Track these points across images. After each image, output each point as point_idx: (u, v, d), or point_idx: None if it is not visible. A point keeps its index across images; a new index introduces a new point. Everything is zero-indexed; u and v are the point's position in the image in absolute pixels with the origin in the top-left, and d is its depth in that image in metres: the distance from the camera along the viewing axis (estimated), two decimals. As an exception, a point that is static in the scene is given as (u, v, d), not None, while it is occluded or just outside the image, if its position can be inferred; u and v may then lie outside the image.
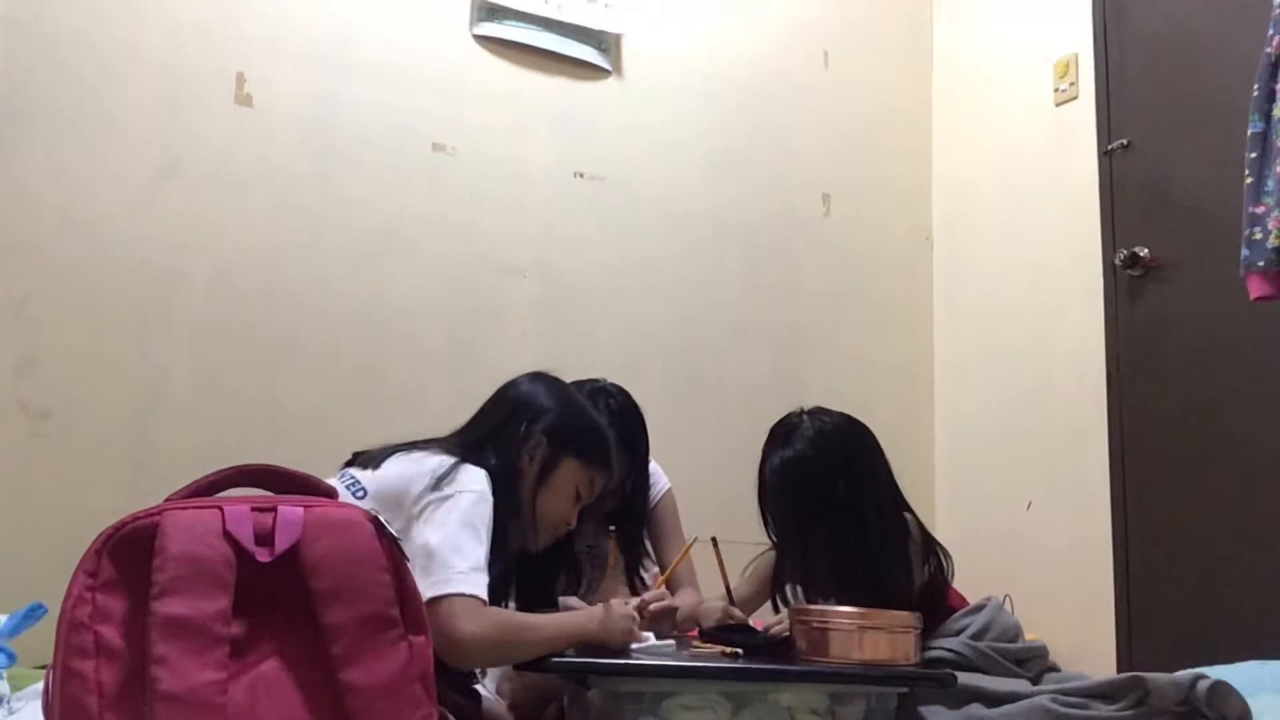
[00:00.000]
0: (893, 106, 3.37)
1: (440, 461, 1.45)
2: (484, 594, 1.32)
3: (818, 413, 1.87)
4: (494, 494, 1.45)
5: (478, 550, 1.36)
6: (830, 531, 1.76)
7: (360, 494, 1.43)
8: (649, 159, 2.97)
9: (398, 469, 1.46)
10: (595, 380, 2.07)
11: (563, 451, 1.59)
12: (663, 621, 1.68)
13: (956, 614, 1.75)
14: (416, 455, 1.48)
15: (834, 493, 1.76)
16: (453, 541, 1.35)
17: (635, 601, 1.76)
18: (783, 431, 1.85)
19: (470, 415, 1.69)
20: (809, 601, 1.76)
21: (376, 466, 1.48)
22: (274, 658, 0.95)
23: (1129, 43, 2.77)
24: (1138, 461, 2.60)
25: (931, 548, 1.79)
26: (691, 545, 1.90)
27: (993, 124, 3.18)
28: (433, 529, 1.36)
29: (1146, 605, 2.53)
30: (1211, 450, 2.43)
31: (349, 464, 1.53)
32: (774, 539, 1.88)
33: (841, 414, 1.89)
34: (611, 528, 1.91)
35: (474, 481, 1.43)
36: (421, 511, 1.39)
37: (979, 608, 1.74)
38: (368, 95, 2.65)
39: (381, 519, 1.05)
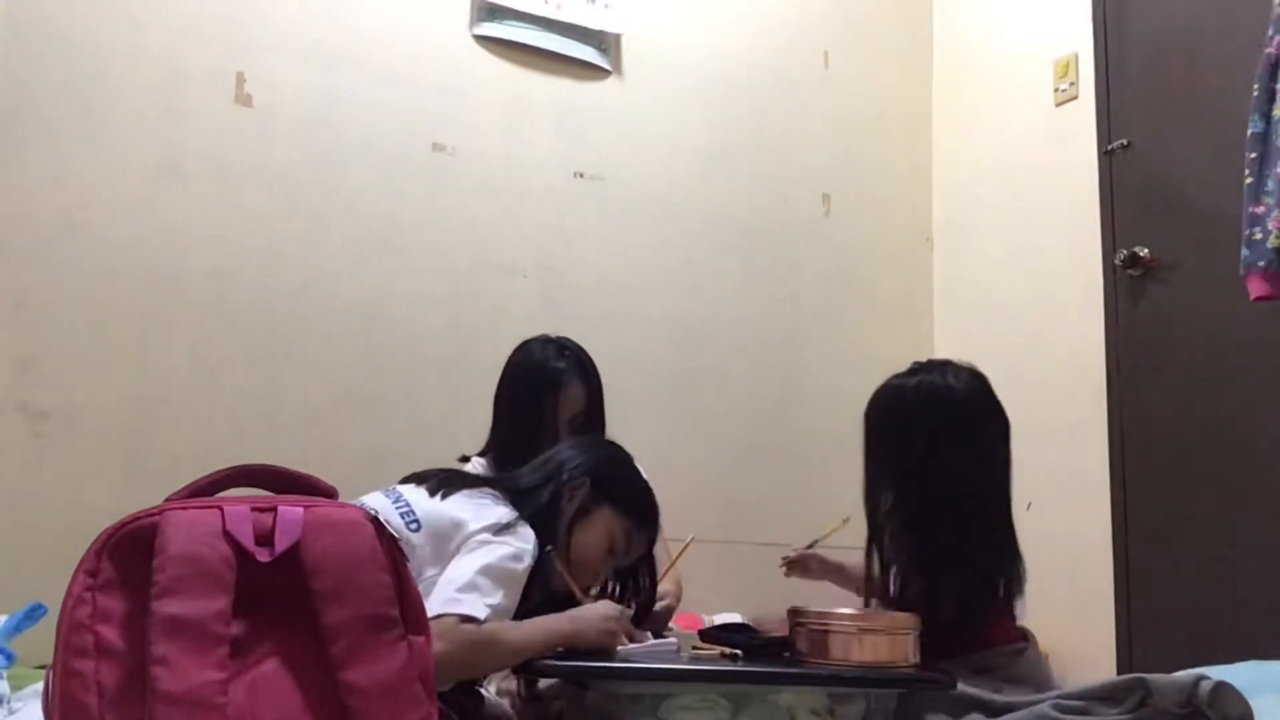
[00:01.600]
0: (893, 106, 3.37)
1: (503, 514, 1.45)
2: (473, 612, 1.29)
3: (951, 366, 1.72)
4: (538, 532, 1.46)
5: (488, 587, 1.34)
6: (893, 487, 1.66)
7: (413, 524, 1.41)
8: (649, 159, 2.97)
9: (460, 507, 1.45)
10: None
11: (603, 496, 1.58)
12: (657, 622, 1.69)
13: (994, 650, 1.62)
14: (483, 500, 1.48)
15: (908, 447, 1.65)
16: (466, 574, 1.34)
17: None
18: (915, 365, 1.73)
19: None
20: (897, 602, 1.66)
21: (438, 495, 1.46)
22: (274, 658, 0.95)
23: (1129, 43, 2.77)
24: (1138, 461, 2.60)
25: (990, 570, 1.63)
26: (689, 544, 1.91)
27: (993, 124, 3.18)
28: (461, 561, 1.36)
29: (1146, 605, 2.53)
30: (1212, 450, 2.43)
31: (404, 481, 1.52)
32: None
33: (974, 377, 1.73)
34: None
35: (523, 540, 1.43)
36: (462, 546, 1.39)
37: (1017, 653, 1.65)
38: (368, 95, 2.65)
39: (381, 519, 1.05)
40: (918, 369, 1.74)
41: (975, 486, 1.65)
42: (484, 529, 1.40)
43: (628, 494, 1.62)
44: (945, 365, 1.73)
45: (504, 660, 1.36)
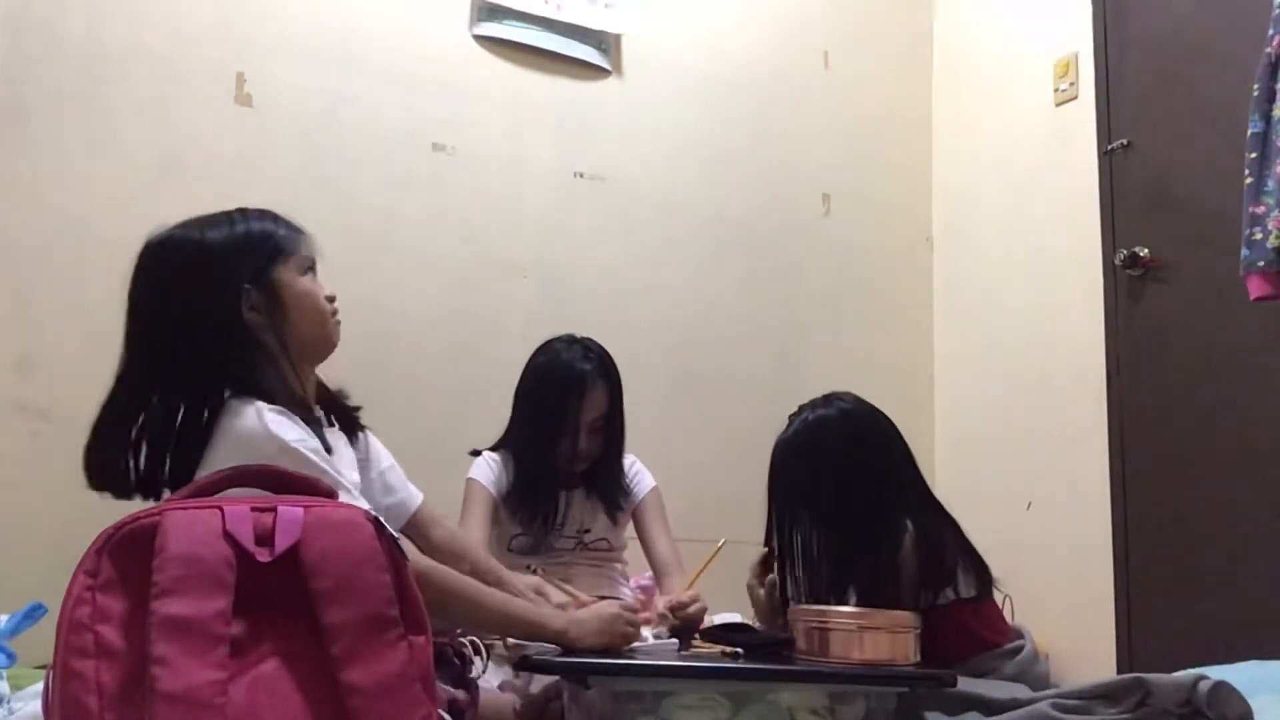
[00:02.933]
0: (893, 106, 3.37)
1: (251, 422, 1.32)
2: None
3: (831, 398, 1.84)
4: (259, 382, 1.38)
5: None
6: (819, 523, 1.73)
7: None
8: (649, 159, 2.97)
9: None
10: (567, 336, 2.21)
11: (265, 275, 1.44)
12: (693, 624, 1.71)
13: (988, 654, 1.65)
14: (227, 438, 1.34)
15: (823, 478, 1.72)
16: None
17: (663, 603, 1.80)
18: (790, 419, 1.84)
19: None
20: (809, 597, 1.73)
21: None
22: (274, 658, 0.95)
23: (1129, 43, 2.77)
24: (1138, 461, 2.60)
25: (951, 568, 1.66)
26: (720, 549, 1.91)
27: (993, 124, 3.18)
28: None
29: (1146, 605, 2.53)
30: (1211, 450, 2.43)
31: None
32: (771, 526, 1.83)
33: (856, 400, 1.84)
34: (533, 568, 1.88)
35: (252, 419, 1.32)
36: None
37: (1011, 653, 1.67)
38: (368, 95, 2.65)
39: (381, 519, 1.05)
40: (788, 423, 1.84)
41: (886, 486, 1.73)
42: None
43: (262, 246, 1.47)
44: (803, 410, 1.81)
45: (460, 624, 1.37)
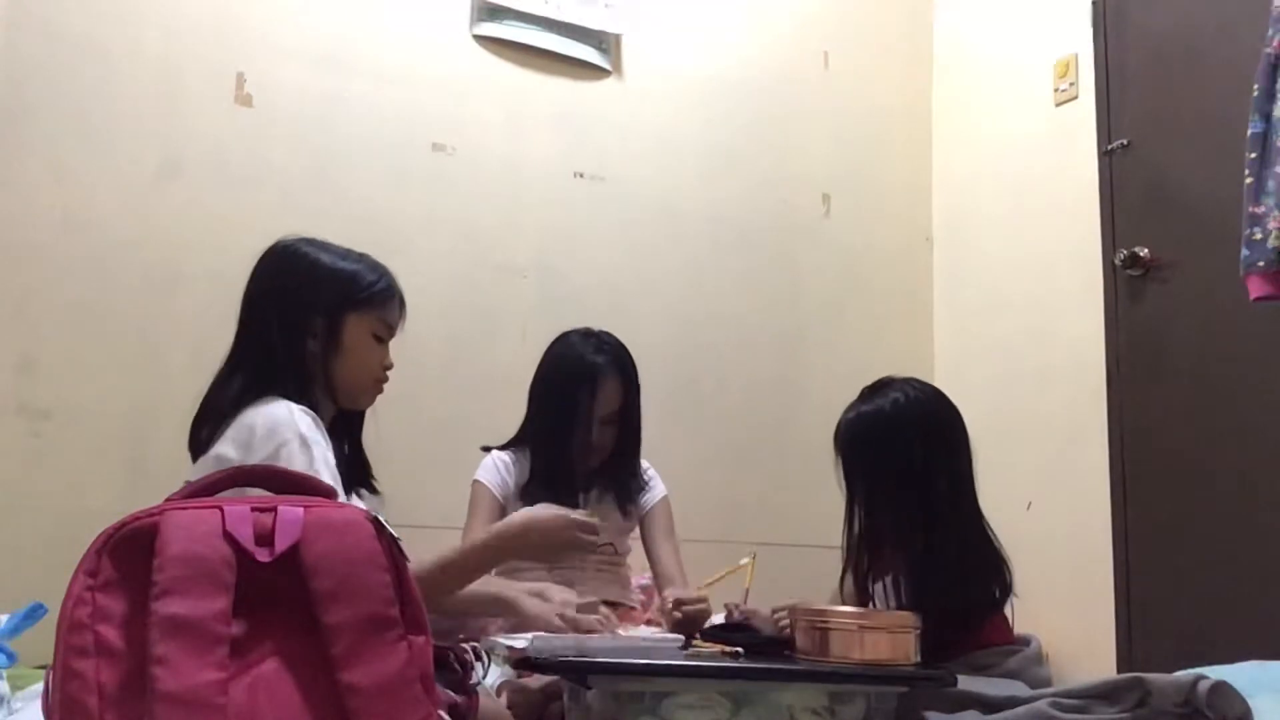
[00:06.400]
0: (893, 106, 3.37)
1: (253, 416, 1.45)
2: None
3: (909, 380, 1.82)
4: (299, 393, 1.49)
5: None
6: (895, 500, 1.72)
7: None
8: (649, 159, 2.97)
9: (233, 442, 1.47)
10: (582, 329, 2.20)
11: (338, 313, 1.57)
12: (694, 623, 1.70)
13: (990, 649, 1.66)
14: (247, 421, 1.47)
15: (907, 458, 1.71)
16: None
17: (670, 594, 1.80)
18: (868, 390, 1.82)
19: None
20: (870, 576, 1.72)
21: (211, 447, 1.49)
22: (274, 658, 0.95)
23: (1129, 43, 2.77)
24: (1138, 461, 2.60)
25: (990, 567, 1.70)
26: (754, 560, 1.89)
27: (993, 124, 3.18)
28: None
29: (1146, 605, 2.53)
30: (1211, 450, 2.43)
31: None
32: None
33: (934, 388, 1.84)
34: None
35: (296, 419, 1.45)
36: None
37: (1013, 652, 1.68)
38: (368, 95, 2.65)
39: (381, 519, 1.05)
40: (873, 392, 1.79)
41: (962, 486, 1.75)
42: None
43: (351, 289, 1.59)
44: (900, 382, 1.80)
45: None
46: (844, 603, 1.79)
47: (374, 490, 1.70)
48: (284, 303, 1.57)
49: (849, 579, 1.78)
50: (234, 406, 1.49)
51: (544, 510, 1.69)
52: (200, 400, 1.55)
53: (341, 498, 1.37)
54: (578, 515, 1.67)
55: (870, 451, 1.77)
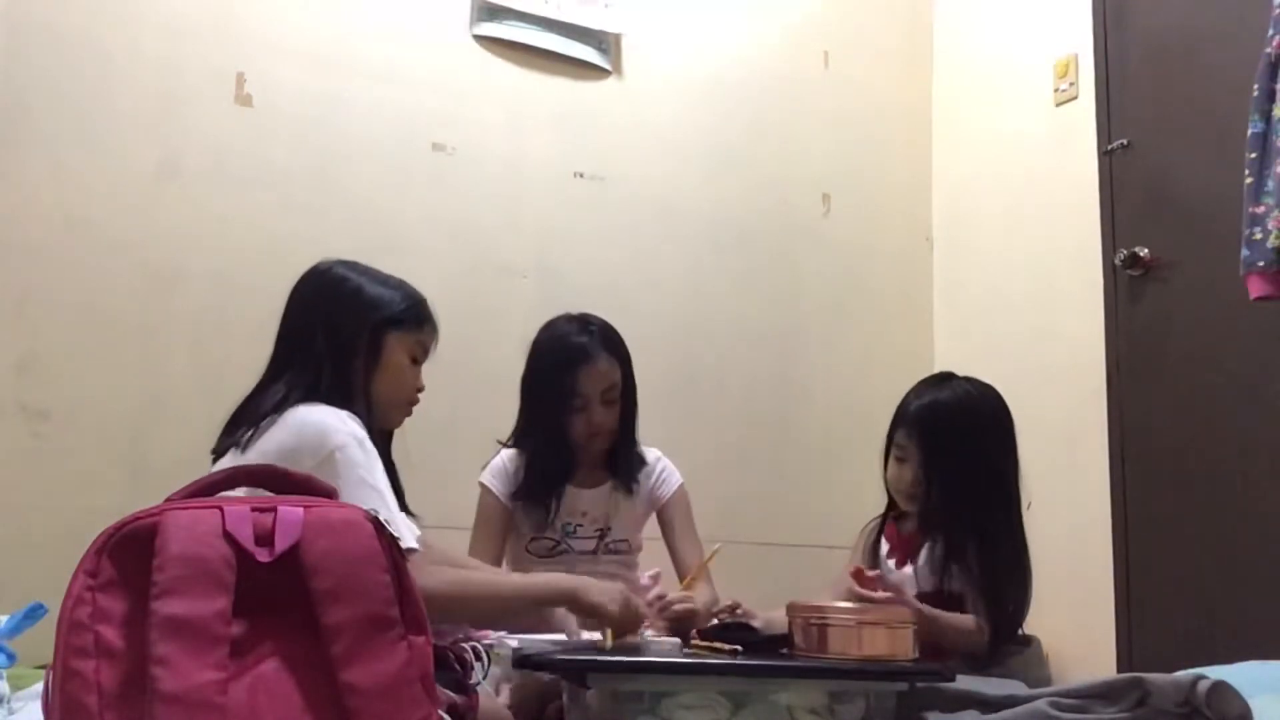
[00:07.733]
0: (893, 106, 3.37)
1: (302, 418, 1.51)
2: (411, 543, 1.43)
3: (962, 378, 1.89)
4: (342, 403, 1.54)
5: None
6: (971, 480, 1.75)
7: None
8: (649, 159, 2.97)
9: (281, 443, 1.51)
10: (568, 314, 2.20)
11: (381, 332, 1.64)
12: (683, 623, 1.70)
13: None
14: (290, 424, 1.53)
15: (985, 443, 1.76)
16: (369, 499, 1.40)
17: (652, 596, 1.80)
18: (935, 379, 1.85)
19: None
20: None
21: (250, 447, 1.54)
22: (274, 658, 0.95)
23: (1129, 43, 2.77)
24: (1138, 461, 2.60)
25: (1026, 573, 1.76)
26: (715, 553, 1.91)
27: (993, 124, 3.18)
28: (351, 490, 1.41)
29: (1146, 605, 2.53)
30: (1211, 450, 2.43)
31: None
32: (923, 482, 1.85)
33: (986, 384, 1.90)
34: None
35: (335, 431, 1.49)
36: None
37: (1014, 652, 1.69)
38: (368, 95, 2.65)
39: (381, 519, 1.05)
40: (937, 383, 1.81)
41: (1015, 486, 1.82)
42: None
43: (393, 309, 1.67)
44: (950, 376, 1.81)
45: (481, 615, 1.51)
46: (915, 581, 1.82)
47: (409, 512, 1.71)
48: (331, 321, 1.62)
49: (924, 552, 1.80)
50: (276, 410, 1.53)
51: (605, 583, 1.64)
52: (237, 404, 1.62)
53: (395, 508, 1.46)
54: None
55: (965, 436, 1.82)
